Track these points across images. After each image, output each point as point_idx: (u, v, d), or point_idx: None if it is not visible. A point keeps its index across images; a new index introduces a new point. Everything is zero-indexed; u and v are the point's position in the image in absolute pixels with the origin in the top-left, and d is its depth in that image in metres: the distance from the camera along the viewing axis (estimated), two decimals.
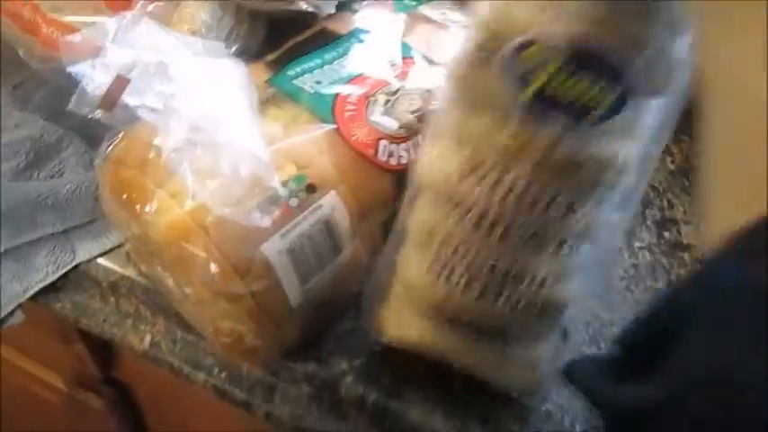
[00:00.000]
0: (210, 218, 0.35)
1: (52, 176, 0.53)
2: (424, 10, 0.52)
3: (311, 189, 0.38)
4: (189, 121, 0.38)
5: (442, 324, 0.37)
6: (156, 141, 0.38)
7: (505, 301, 0.34)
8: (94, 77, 0.39)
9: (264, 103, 0.42)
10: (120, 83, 0.37)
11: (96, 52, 0.40)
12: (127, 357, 0.65)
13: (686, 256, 0.52)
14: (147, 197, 0.37)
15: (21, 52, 0.51)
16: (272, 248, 0.36)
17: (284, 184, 0.37)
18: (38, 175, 0.53)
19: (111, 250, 0.51)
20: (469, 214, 0.33)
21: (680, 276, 0.51)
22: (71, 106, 0.39)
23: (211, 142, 0.37)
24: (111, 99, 0.37)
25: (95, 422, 0.77)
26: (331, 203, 0.38)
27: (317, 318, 0.41)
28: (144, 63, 0.38)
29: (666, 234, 0.54)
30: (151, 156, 0.38)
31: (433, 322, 0.37)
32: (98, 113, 0.39)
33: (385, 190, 0.42)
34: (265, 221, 0.35)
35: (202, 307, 0.38)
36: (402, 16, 0.51)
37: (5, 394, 0.90)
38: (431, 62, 0.47)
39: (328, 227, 0.38)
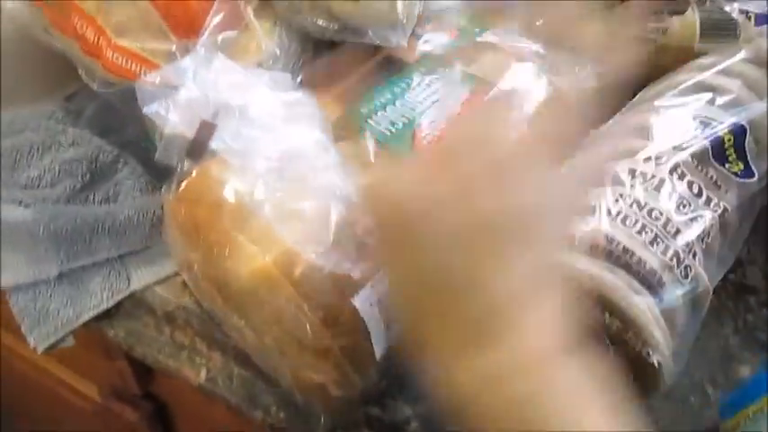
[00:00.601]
0: (298, 268, 0.34)
1: (107, 199, 0.52)
2: (490, 37, 0.50)
3: None
4: (268, 162, 0.37)
5: None
6: (233, 181, 0.37)
7: None
8: (170, 118, 0.38)
9: (339, 141, 0.41)
10: (207, 129, 0.36)
11: (170, 88, 0.39)
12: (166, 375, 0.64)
13: (753, 299, 0.51)
14: (225, 242, 0.36)
15: (81, 73, 0.50)
16: (364, 300, 0.34)
17: (369, 231, 0.36)
18: (93, 197, 0.52)
19: (166, 279, 0.50)
20: None
21: (747, 322, 0.50)
22: (157, 157, 0.38)
23: (294, 184, 0.36)
24: (199, 147, 0.36)
25: None
26: None
27: (394, 363, 0.40)
28: (226, 105, 0.37)
29: (731, 276, 0.52)
30: (227, 196, 0.37)
31: None
32: (186, 164, 0.37)
33: None
34: (356, 271, 0.34)
35: (282, 356, 0.37)
36: (466, 44, 0.50)
37: (33, 394, 0.90)
38: (502, 94, 0.46)
39: None
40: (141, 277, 0.50)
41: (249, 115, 0.38)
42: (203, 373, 0.47)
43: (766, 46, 0.48)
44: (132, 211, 0.50)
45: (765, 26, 0.50)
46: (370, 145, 0.41)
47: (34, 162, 0.53)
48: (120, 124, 0.58)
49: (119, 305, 0.50)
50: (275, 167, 0.37)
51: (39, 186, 0.52)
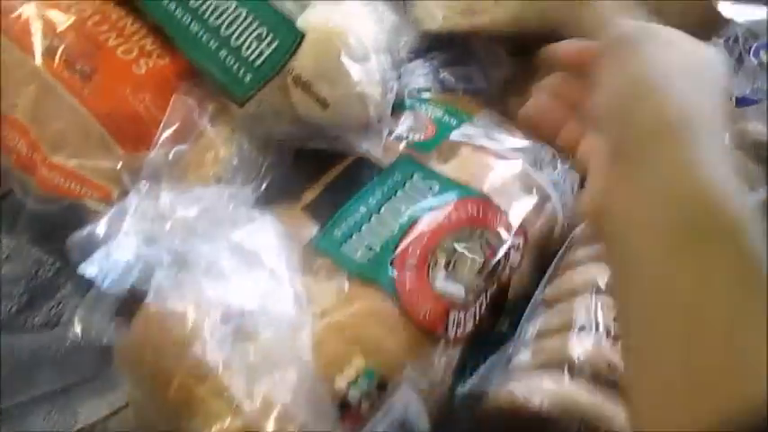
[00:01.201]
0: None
1: (48, 322, 0.47)
2: (468, 130, 0.47)
3: (382, 386, 0.33)
4: (227, 309, 0.33)
5: None
6: (191, 328, 0.33)
7: None
8: (109, 275, 0.34)
9: (311, 266, 0.37)
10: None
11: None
12: None
13: None
14: (187, 398, 0.32)
15: (15, 188, 0.45)
16: None
17: (353, 382, 0.32)
18: (33, 319, 0.47)
19: (120, 410, 0.44)
20: None
21: None
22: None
23: (256, 336, 0.32)
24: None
25: None
26: (405, 401, 0.33)
27: None
28: (173, 255, 0.33)
29: None
30: (187, 345, 0.33)
31: None
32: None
33: (450, 362, 0.37)
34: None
35: None
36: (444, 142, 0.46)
37: None
38: (485, 198, 0.42)
39: (404, 427, 0.34)
40: (91, 411, 0.44)
41: (201, 262, 0.34)
42: None
43: (749, 128, 0.47)
44: (78, 335, 0.45)
45: (747, 108, 0.49)
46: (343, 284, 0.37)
47: None
48: (63, 225, 0.53)
49: None
50: (238, 314, 0.33)
51: None
